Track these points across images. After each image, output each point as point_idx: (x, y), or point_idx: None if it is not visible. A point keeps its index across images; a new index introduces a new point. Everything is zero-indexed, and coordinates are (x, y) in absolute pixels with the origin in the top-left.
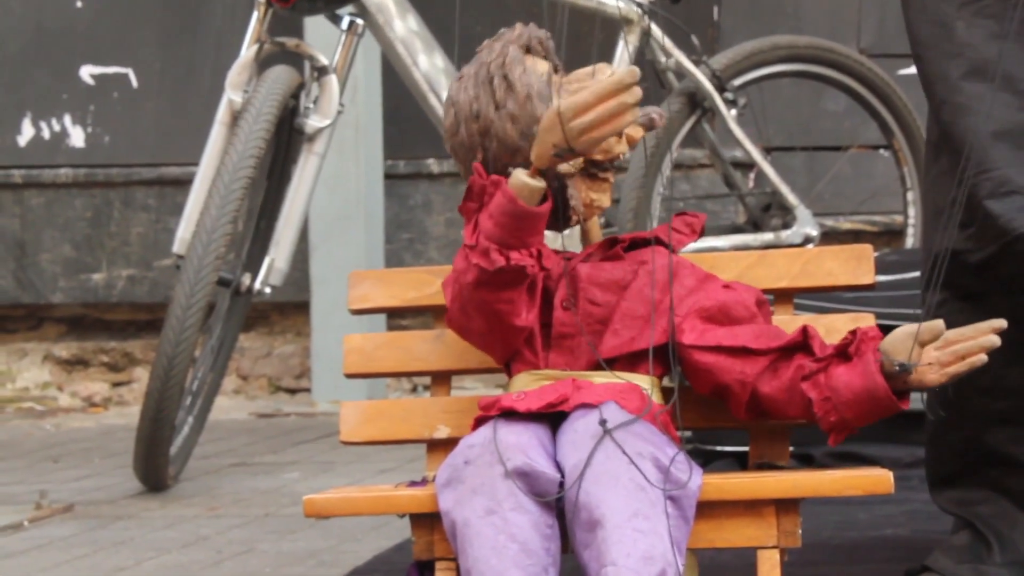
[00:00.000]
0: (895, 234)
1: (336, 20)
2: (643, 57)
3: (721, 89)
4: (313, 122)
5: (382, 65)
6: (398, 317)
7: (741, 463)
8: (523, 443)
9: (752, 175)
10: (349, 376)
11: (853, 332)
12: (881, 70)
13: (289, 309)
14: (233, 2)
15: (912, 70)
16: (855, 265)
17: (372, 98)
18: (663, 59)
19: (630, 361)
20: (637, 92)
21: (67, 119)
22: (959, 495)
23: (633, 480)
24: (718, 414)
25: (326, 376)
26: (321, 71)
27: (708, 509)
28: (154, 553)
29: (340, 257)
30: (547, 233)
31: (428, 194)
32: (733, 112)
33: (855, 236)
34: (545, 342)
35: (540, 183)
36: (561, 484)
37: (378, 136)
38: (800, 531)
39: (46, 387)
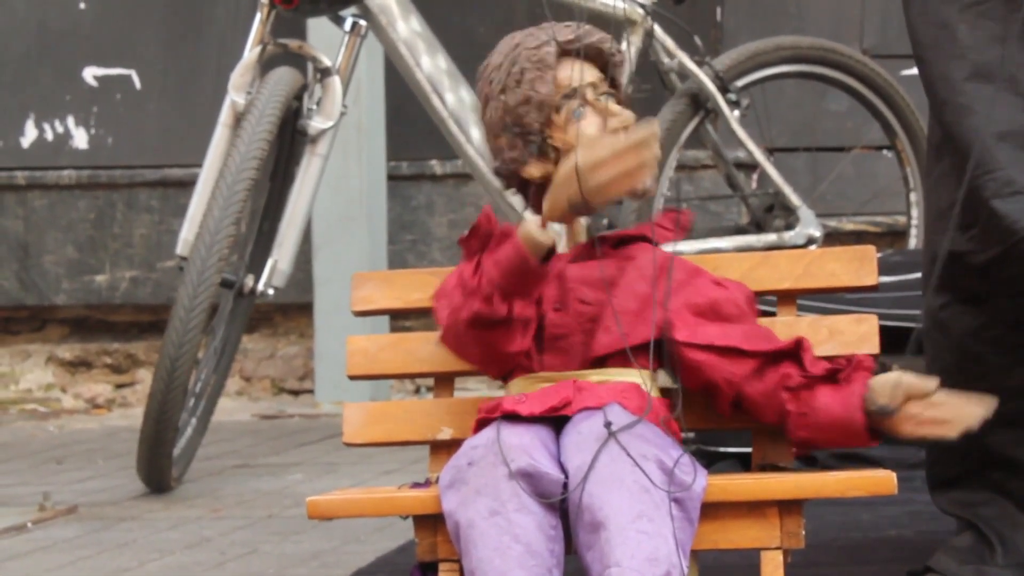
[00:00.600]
0: (898, 235)
1: (339, 21)
2: (646, 58)
3: (724, 90)
4: (316, 123)
5: (385, 66)
6: (401, 318)
7: (744, 464)
8: (526, 444)
9: (755, 176)
10: (352, 378)
11: (849, 358)
12: (884, 71)
13: (292, 310)
14: (236, 4)
15: (914, 71)
16: (858, 266)
17: (375, 99)
18: (666, 60)
19: (624, 357)
20: (656, 150)
21: (70, 121)
22: (961, 497)
23: (638, 482)
24: (720, 416)
25: (329, 377)
26: (324, 72)
27: (711, 510)
28: (157, 554)
29: (343, 258)
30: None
31: (431, 195)
32: (736, 113)
33: (858, 237)
34: (538, 344)
35: (550, 238)
36: (565, 485)
37: (381, 137)
38: (803, 532)
39: (49, 389)
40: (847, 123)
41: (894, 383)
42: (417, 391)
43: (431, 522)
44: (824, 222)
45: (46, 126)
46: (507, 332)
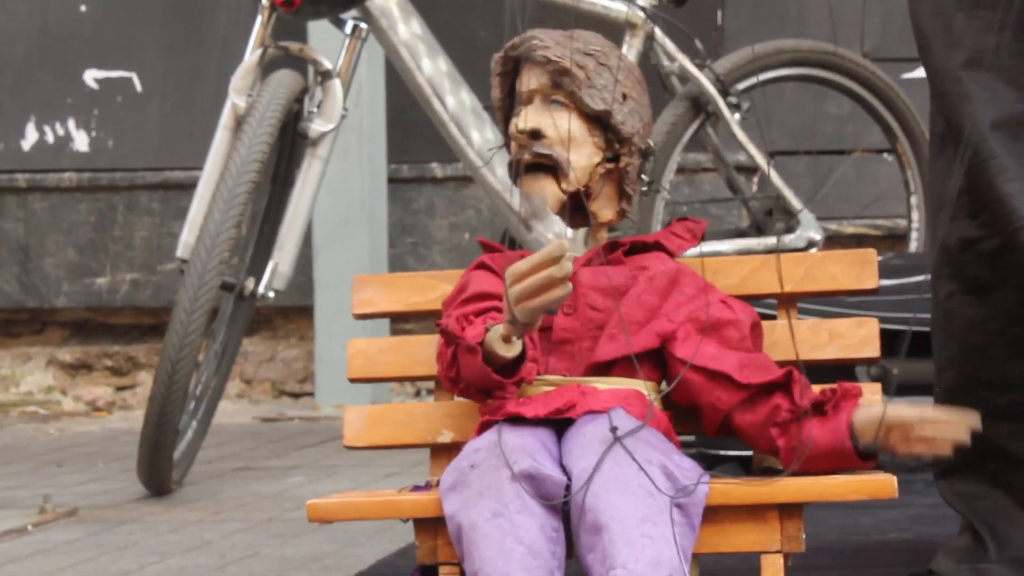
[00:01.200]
0: (899, 238)
1: (340, 24)
2: (647, 61)
3: (725, 93)
4: (317, 126)
5: (386, 69)
6: (401, 321)
7: (745, 468)
8: (529, 446)
9: (755, 179)
10: (353, 380)
11: (835, 389)
12: (884, 74)
13: (293, 313)
14: (237, 6)
15: (915, 74)
16: (859, 269)
17: (376, 102)
18: (667, 63)
19: (628, 366)
20: (566, 267)
21: (71, 123)
22: (960, 487)
23: (642, 486)
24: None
25: (329, 380)
26: (325, 75)
27: (712, 514)
28: (158, 557)
29: (343, 261)
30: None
31: (431, 198)
32: (737, 116)
33: (859, 240)
34: (545, 347)
35: (514, 351)
36: (567, 488)
37: (381, 140)
38: (804, 536)
39: (50, 391)
40: (848, 126)
41: (877, 422)
42: (417, 394)
43: (432, 525)
44: (825, 225)
45: (47, 128)
46: (502, 392)
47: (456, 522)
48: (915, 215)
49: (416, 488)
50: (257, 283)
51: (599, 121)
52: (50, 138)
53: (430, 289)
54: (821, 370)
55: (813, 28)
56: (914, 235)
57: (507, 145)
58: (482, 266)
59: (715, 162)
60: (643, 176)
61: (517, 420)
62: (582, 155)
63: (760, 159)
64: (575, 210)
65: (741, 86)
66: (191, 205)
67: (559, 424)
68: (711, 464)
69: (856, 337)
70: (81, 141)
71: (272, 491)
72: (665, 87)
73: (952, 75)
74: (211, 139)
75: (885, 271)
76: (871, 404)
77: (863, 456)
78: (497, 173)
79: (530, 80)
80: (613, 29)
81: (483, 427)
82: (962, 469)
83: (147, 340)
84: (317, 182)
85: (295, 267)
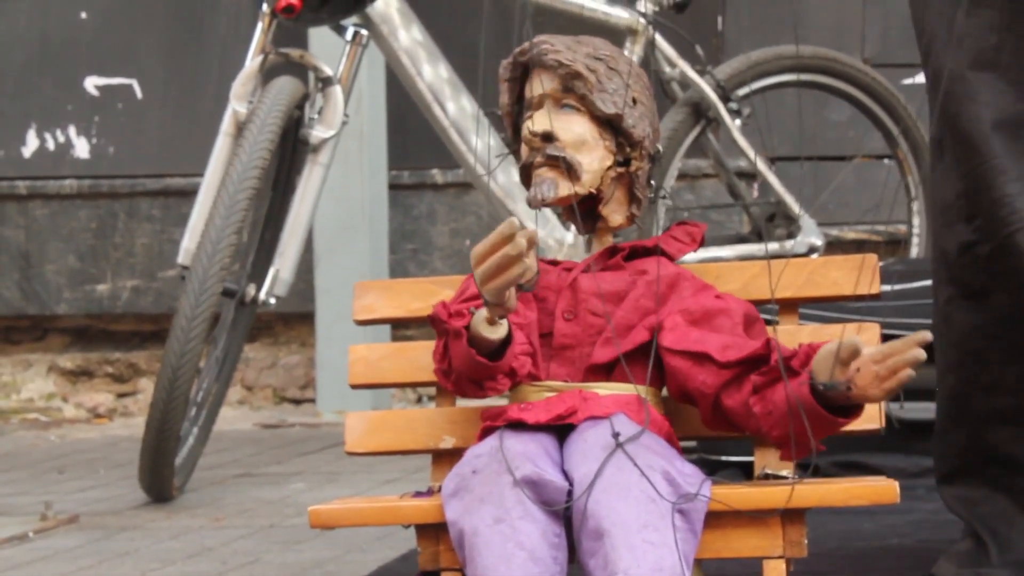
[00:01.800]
0: (900, 243)
1: (340, 31)
2: (648, 67)
3: (725, 99)
4: (317, 133)
5: (386, 75)
6: (403, 328)
7: (746, 473)
8: (530, 452)
9: (756, 185)
10: (354, 387)
11: (801, 344)
12: (885, 80)
13: (294, 320)
14: (237, 13)
15: (916, 79)
16: (860, 275)
17: (376, 108)
18: (667, 69)
19: (630, 371)
20: (518, 243)
21: (71, 130)
22: (961, 492)
23: (644, 492)
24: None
25: (331, 387)
26: (325, 82)
27: (714, 519)
28: (159, 564)
29: (344, 268)
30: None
31: (432, 204)
32: (737, 122)
33: (860, 246)
34: (546, 352)
35: (499, 333)
36: (569, 493)
37: (382, 146)
38: (806, 541)
39: (51, 398)
40: (848, 132)
41: (826, 356)
42: (419, 400)
43: (433, 531)
44: (826, 231)
45: (47, 136)
46: (493, 383)
47: (458, 528)
48: (916, 221)
49: (418, 494)
50: (258, 289)
51: (610, 125)
52: (51, 145)
53: (431, 295)
54: None
55: (814, 34)
56: (915, 241)
57: (514, 151)
58: None
59: (716, 168)
60: (652, 182)
61: (519, 426)
62: (593, 159)
63: (761, 165)
64: (586, 215)
65: (742, 92)
66: (192, 212)
67: (561, 430)
68: (713, 470)
69: None
70: (82, 148)
71: (273, 497)
72: (666, 93)
73: (955, 74)
74: (212, 146)
75: (886, 277)
76: (826, 344)
77: (837, 412)
78: (498, 180)
79: (541, 84)
80: (614, 35)
81: (485, 433)
82: (964, 474)
83: (148, 347)
84: (318, 188)
85: (296, 273)
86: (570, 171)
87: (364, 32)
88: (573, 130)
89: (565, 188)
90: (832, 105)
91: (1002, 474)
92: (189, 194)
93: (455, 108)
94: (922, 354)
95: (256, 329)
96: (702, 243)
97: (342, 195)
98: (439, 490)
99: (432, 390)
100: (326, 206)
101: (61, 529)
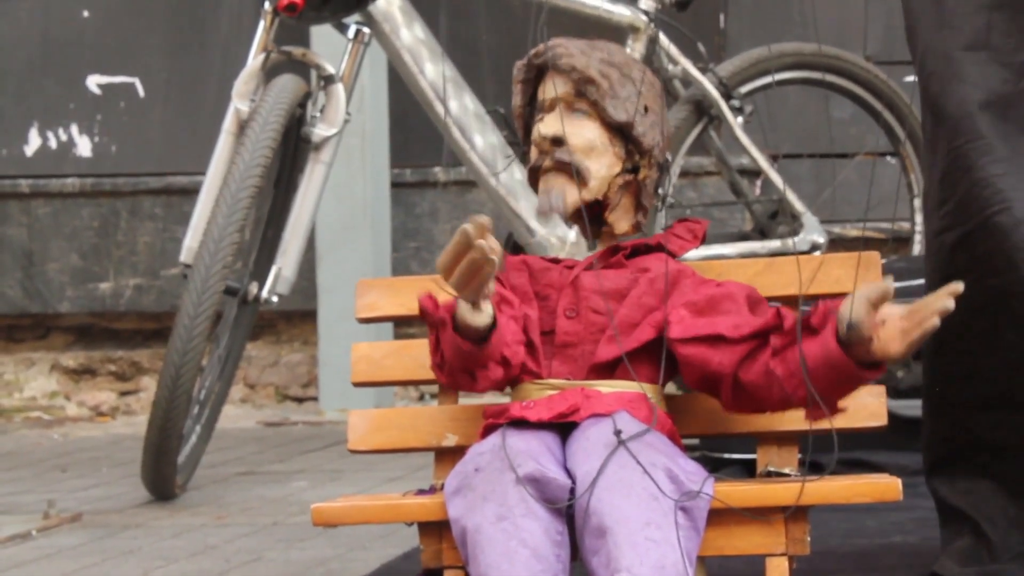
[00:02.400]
0: (902, 241)
1: (342, 29)
2: (650, 65)
3: (728, 96)
4: (320, 131)
5: (388, 74)
6: (405, 326)
7: (749, 471)
8: (533, 450)
9: (759, 182)
10: (357, 385)
11: (818, 304)
12: (887, 77)
13: (296, 318)
14: (239, 11)
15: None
16: (863, 272)
17: (378, 107)
18: (670, 67)
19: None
20: (480, 247)
21: (74, 129)
22: (948, 481)
23: (646, 490)
24: (725, 422)
25: (333, 385)
26: (328, 80)
27: (717, 516)
28: (162, 562)
29: (347, 266)
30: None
31: (435, 203)
32: (740, 119)
33: (862, 243)
34: (548, 350)
35: (484, 320)
36: (572, 491)
37: (384, 145)
38: (809, 538)
39: (54, 396)
40: (851, 129)
41: (851, 299)
42: (421, 398)
43: (436, 529)
44: (828, 228)
45: (50, 134)
46: (485, 372)
47: (461, 526)
48: (918, 218)
49: (420, 492)
50: (261, 288)
51: (620, 132)
52: (53, 144)
53: (434, 293)
54: None
55: (816, 31)
56: (917, 238)
57: (523, 152)
58: None
59: (718, 165)
60: (659, 191)
61: (521, 424)
62: (602, 165)
63: (763, 162)
64: (591, 221)
65: (744, 89)
66: (194, 210)
67: (563, 427)
68: (715, 467)
69: None
70: (84, 146)
71: (276, 495)
72: (668, 91)
73: (943, 54)
74: (214, 144)
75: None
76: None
77: (863, 367)
78: (500, 177)
79: (554, 88)
80: (616, 33)
81: (487, 431)
82: (948, 463)
83: (151, 345)
84: (320, 187)
85: (298, 271)
86: (578, 176)
87: (366, 30)
88: (583, 135)
89: (574, 197)
90: (834, 103)
91: (989, 461)
92: (191, 192)
93: (457, 106)
94: (951, 304)
95: (259, 327)
96: (704, 240)
97: (344, 193)
98: (442, 488)
99: (435, 388)
100: (328, 204)
101: (64, 527)
